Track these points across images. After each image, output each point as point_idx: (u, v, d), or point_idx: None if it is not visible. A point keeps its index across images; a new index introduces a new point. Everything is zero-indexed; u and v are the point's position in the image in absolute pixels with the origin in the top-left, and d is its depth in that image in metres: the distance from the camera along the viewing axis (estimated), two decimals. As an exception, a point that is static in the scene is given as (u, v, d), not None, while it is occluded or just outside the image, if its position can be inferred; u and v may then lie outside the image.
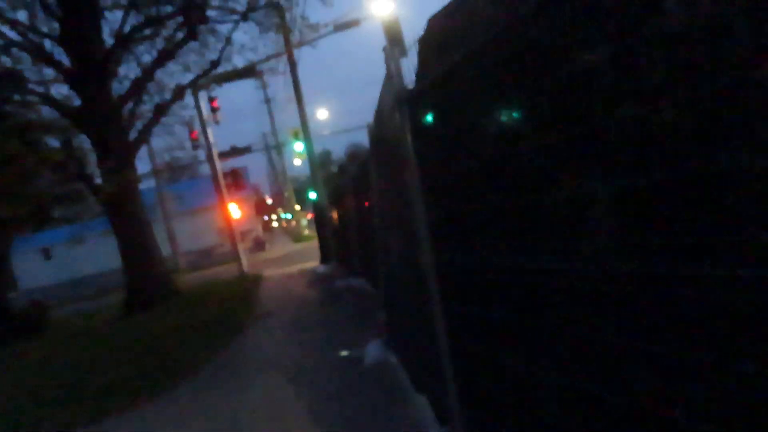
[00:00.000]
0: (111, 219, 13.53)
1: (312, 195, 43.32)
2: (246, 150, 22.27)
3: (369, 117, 5.22)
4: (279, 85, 79.70)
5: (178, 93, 14.48)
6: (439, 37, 2.69)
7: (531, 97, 1.90)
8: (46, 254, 38.98)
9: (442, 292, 3.08)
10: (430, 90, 2.84)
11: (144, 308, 12.41)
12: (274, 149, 40.95)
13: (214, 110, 21.40)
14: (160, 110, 14.17)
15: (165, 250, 33.02)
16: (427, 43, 2.82)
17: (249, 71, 19.71)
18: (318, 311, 9.25)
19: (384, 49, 3.32)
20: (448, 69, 2.49)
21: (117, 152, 12.41)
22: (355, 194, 10.10)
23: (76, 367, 8.41)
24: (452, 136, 2.68)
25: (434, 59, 2.76)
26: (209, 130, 20.37)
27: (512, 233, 2.16)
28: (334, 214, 16.00)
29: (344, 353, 6.04)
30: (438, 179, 2.92)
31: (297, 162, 49.68)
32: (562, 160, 1.75)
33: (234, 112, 58.74)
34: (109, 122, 12.62)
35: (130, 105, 13.63)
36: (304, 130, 21.28)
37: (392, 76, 3.23)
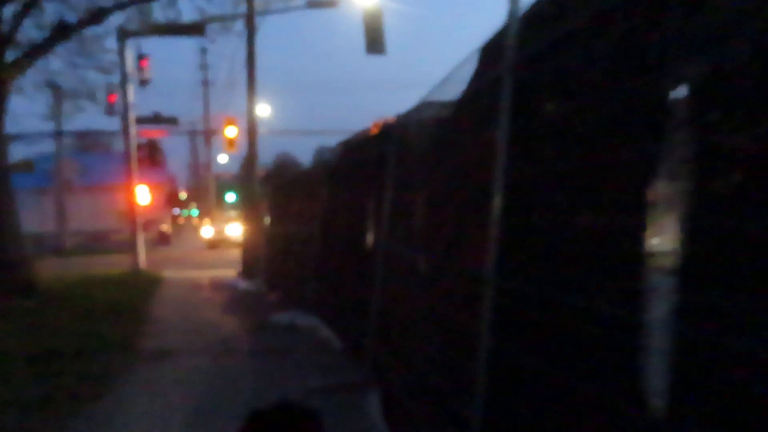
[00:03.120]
0: None
1: (230, 197, 38.13)
2: (171, 120, 18.15)
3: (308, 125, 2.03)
4: (222, 64, 72.89)
5: (96, 15, 10.37)
6: None
7: None
8: None
9: None
10: None
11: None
12: (202, 136, 36.43)
13: (142, 69, 17.54)
14: (64, 31, 10.00)
15: (49, 225, 28.01)
16: None
17: (195, 27, 16.05)
18: (251, 367, 5.59)
19: None
20: None
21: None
22: (332, 195, 6.71)
23: None
24: None
25: None
26: (131, 88, 16.37)
27: None
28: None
29: None
30: None
31: (223, 159, 44.85)
32: None
33: (161, 84, 52.09)
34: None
35: (13, 9, 9.36)
36: (249, 112, 17.72)
37: None
